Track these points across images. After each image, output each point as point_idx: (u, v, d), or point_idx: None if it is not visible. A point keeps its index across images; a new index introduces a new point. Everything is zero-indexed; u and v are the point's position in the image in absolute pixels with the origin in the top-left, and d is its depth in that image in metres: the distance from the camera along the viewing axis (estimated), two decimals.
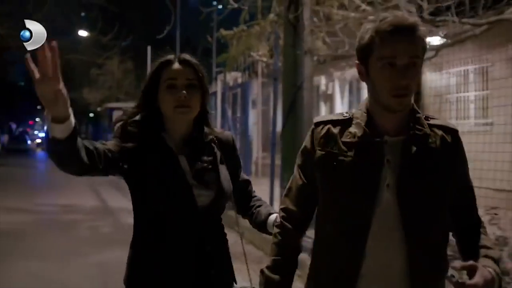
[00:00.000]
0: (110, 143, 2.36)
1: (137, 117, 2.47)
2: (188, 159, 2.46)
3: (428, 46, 2.06)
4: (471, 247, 2.10)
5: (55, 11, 25.76)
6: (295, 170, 2.24)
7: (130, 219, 2.54)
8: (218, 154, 2.54)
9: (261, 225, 2.64)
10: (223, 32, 13.25)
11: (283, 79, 8.85)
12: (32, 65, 1.84)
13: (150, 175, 2.37)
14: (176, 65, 2.45)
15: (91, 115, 47.21)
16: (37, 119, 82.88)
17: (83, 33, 33.22)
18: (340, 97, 18.21)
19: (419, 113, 2.10)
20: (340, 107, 18.10)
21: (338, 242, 2.06)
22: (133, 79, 36.47)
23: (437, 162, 2.04)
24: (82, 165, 2.11)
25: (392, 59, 1.94)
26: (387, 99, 1.98)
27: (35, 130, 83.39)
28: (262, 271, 2.21)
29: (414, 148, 2.02)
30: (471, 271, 1.87)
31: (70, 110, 1.96)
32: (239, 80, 21.50)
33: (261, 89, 17.97)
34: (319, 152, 2.11)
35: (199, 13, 13.64)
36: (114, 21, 31.37)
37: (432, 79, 10.00)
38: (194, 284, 2.40)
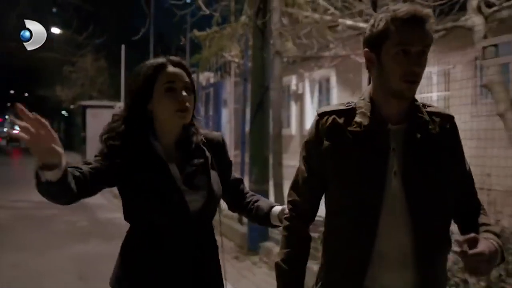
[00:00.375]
0: (95, 160, 2.30)
1: (121, 128, 2.37)
2: (178, 165, 2.39)
3: None
4: (472, 227, 2.09)
5: (28, 10, 25.64)
6: (300, 162, 2.23)
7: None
8: (209, 157, 2.48)
9: (263, 218, 2.59)
10: (196, 33, 13.48)
11: (251, 80, 9.03)
12: (21, 135, 1.79)
13: (141, 186, 2.31)
14: (172, 68, 2.37)
15: (64, 112, 46.81)
16: (6, 116, 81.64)
17: (55, 30, 32.86)
18: (310, 97, 18.62)
19: (417, 101, 2.12)
20: (310, 106, 18.51)
21: (349, 232, 2.07)
22: (106, 77, 36.26)
23: (439, 148, 2.07)
24: (72, 195, 2.07)
25: (407, 46, 1.97)
26: (398, 85, 2.00)
27: (5, 127, 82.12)
28: (276, 264, 2.24)
29: (418, 135, 2.05)
30: (473, 243, 1.85)
31: (63, 156, 1.89)
32: (212, 80, 21.71)
33: (233, 88, 18.19)
34: (326, 143, 2.11)
35: (172, 12, 13.73)
36: (88, 19, 31.28)
37: None
38: None
